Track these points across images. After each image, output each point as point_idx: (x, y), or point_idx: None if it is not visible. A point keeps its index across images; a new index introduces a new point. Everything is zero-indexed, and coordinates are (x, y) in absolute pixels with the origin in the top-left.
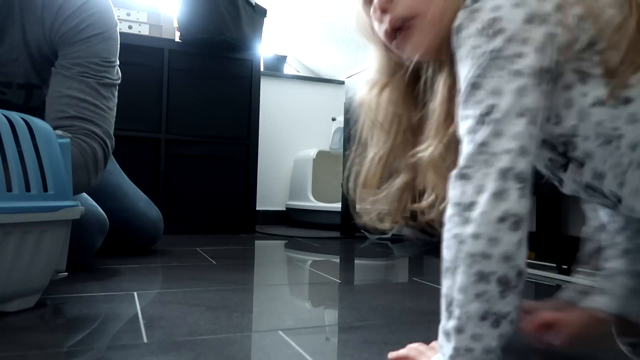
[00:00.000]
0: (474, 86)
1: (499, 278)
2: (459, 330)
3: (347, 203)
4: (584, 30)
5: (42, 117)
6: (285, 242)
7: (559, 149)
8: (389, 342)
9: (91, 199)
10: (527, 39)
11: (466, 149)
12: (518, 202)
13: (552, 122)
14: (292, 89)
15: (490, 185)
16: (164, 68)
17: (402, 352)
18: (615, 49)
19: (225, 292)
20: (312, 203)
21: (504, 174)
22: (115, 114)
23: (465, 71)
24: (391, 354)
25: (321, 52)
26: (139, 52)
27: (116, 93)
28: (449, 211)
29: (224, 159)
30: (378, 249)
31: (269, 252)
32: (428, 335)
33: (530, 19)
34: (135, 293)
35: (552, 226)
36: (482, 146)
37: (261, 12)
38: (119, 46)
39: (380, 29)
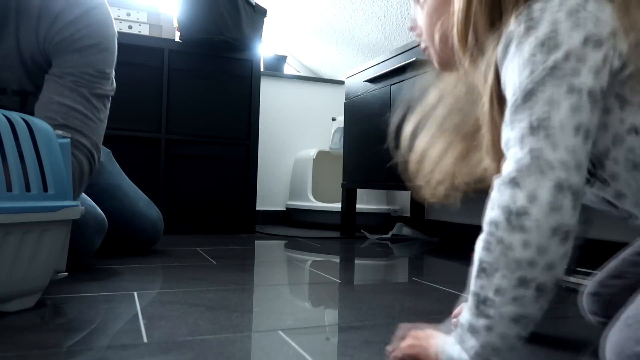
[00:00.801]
0: (530, 93)
1: (539, 285)
2: (489, 328)
3: (347, 203)
4: (634, 58)
5: None
6: (285, 242)
7: (588, 166)
8: (389, 342)
9: (90, 199)
10: (585, 59)
11: (517, 154)
12: (571, 215)
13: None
14: (292, 89)
15: (546, 195)
16: (164, 68)
17: (404, 349)
18: None
19: (225, 292)
20: (312, 203)
21: (560, 185)
22: (105, 126)
23: (518, 80)
24: (392, 352)
25: (321, 52)
26: (139, 52)
27: (108, 104)
28: (493, 213)
29: (224, 159)
30: (378, 249)
31: (269, 252)
32: None
33: (588, 41)
34: (135, 293)
35: None
36: (537, 154)
37: (261, 12)
38: (115, 58)
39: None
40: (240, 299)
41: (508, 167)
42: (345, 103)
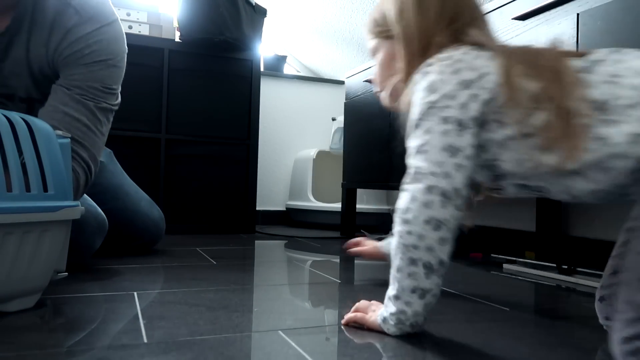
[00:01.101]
0: (416, 126)
1: (424, 263)
2: (396, 297)
3: (347, 203)
4: (502, 92)
5: None
6: (285, 242)
7: (491, 169)
8: (389, 342)
9: (90, 199)
10: (455, 97)
11: (408, 169)
12: (440, 210)
13: (483, 151)
14: (292, 89)
15: (420, 196)
16: (164, 68)
17: (349, 317)
18: (514, 106)
19: (225, 292)
20: (312, 203)
21: (430, 188)
22: (106, 139)
23: (412, 115)
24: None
25: (321, 52)
26: (139, 52)
27: (111, 118)
28: (396, 215)
29: (224, 159)
30: None
31: (269, 252)
32: (428, 334)
33: (459, 84)
34: (135, 293)
35: (552, 226)
36: (417, 169)
37: (261, 12)
38: (123, 74)
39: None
40: (240, 299)
41: (404, 180)
42: (345, 103)
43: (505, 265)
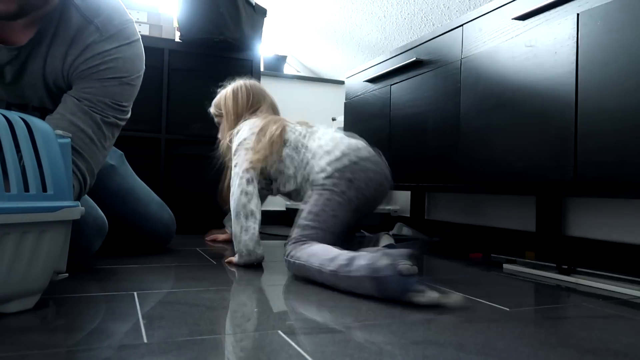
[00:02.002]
0: (236, 151)
1: (244, 214)
2: (235, 236)
3: None
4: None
5: None
6: (285, 242)
7: (270, 178)
8: (389, 342)
9: (91, 200)
10: (249, 139)
11: (233, 175)
12: (244, 194)
13: (266, 169)
14: (292, 89)
15: (236, 190)
16: (164, 68)
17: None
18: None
19: (225, 292)
20: None
21: (240, 185)
22: (107, 154)
23: (234, 149)
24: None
25: (321, 52)
26: None
27: (117, 134)
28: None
29: None
30: None
31: (269, 252)
32: (428, 335)
33: (249, 132)
34: (135, 293)
35: (552, 226)
36: (236, 175)
37: (261, 12)
38: (136, 93)
39: None
40: (240, 299)
41: (233, 182)
42: (345, 103)
43: (505, 265)
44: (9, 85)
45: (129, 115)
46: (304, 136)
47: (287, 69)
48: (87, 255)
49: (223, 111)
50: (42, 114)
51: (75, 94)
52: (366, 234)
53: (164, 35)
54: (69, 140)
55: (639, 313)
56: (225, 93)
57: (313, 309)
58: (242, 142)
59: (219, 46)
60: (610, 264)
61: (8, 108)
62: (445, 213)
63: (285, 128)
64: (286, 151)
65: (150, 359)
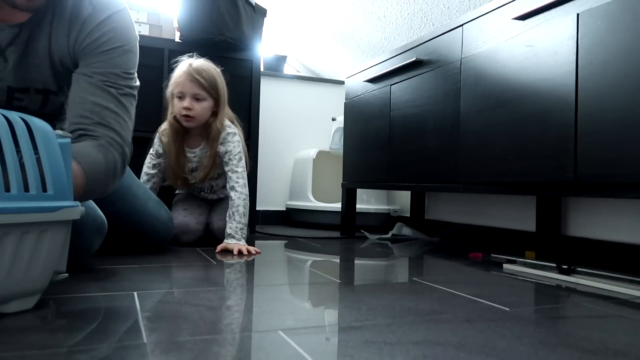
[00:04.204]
0: (236, 156)
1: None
2: (242, 226)
3: (347, 203)
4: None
5: (52, 123)
6: (285, 242)
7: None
8: (389, 342)
9: (91, 201)
10: (242, 150)
11: (237, 178)
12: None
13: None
14: (292, 89)
15: (245, 189)
16: (164, 68)
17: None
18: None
19: (225, 292)
20: (312, 203)
21: (246, 186)
22: (133, 123)
23: (236, 151)
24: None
25: (321, 52)
26: (139, 52)
27: (135, 103)
28: (246, 190)
29: None
30: (378, 249)
31: (269, 252)
32: (428, 335)
33: (237, 138)
34: (135, 293)
35: (552, 226)
36: (242, 178)
37: (261, 12)
38: (137, 59)
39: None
40: (240, 299)
41: (239, 181)
42: (345, 103)
43: (505, 265)
44: (13, 69)
45: (138, 82)
46: None
47: (287, 69)
48: (87, 255)
49: (220, 95)
50: (45, 96)
51: (86, 70)
52: (367, 234)
53: (164, 35)
54: (68, 140)
55: (639, 313)
56: (217, 75)
57: (313, 309)
58: (241, 150)
59: (219, 46)
60: (610, 264)
61: (10, 94)
62: (445, 213)
63: None
64: None
65: (150, 359)
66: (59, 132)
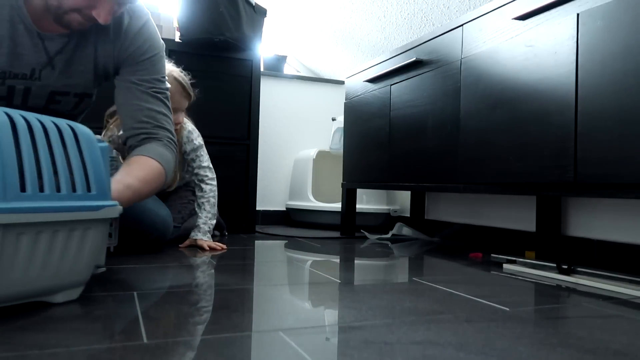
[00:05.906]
0: (197, 150)
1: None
2: (210, 219)
3: (347, 203)
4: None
5: (77, 120)
6: (285, 242)
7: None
8: (389, 342)
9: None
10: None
11: (206, 173)
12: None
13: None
14: (292, 89)
15: (214, 182)
16: None
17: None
18: None
19: (225, 292)
20: (312, 203)
21: (215, 179)
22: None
23: (197, 146)
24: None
25: (321, 52)
26: None
27: (169, 104)
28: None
29: (224, 159)
30: (378, 249)
31: (269, 252)
32: (428, 335)
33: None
34: (135, 293)
35: (552, 226)
36: (210, 171)
37: (261, 12)
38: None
39: None
40: (240, 299)
41: (207, 174)
42: (345, 103)
43: (505, 265)
44: (59, 75)
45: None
46: None
47: (287, 69)
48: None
49: (190, 96)
50: (80, 99)
51: (134, 78)
52: (367, 234)
53: (164, 35)
54: (106, 145)
55: (639, 313)
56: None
57: (313, 309)
58: (202, 144)
59: (219, 46)
60: (610, 264)
61: (51, 97)
62: (445, 213)
63: None
64: None
65: (150, 359)
66: (98, 137)
